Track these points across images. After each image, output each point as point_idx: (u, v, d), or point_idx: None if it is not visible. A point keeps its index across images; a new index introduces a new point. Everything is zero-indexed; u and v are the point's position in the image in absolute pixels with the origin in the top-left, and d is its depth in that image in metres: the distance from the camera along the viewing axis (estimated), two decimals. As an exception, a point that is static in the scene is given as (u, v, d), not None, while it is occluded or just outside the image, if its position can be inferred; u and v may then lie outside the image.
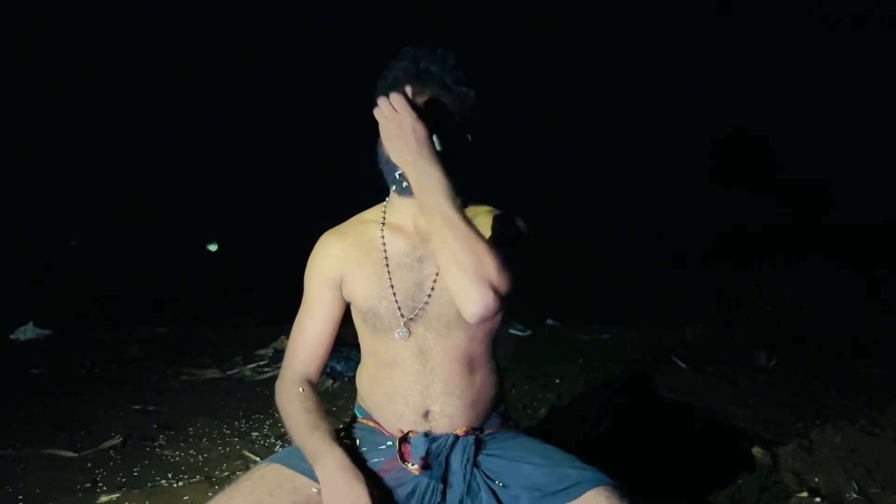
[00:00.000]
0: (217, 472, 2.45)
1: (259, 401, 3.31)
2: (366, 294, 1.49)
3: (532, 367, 3.92)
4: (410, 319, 1.47)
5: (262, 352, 4.20)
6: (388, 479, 1.43)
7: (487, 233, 1.46)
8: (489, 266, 1.26)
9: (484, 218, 1.51)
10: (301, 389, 1.51)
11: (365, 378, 1.57)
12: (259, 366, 3.96)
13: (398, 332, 1.46)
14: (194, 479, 2.37)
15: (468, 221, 1.28)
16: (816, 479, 2.36)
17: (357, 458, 1.43)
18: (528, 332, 4.83)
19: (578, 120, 10.61)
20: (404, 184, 1.41)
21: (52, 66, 9.12)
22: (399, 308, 1.47)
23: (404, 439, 1.44)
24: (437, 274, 1.47)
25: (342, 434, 1.55)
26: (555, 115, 10.64)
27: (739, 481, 2.35)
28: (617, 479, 1.40)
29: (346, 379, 3.56)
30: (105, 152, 9.74)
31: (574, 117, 10.62)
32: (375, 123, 1.40)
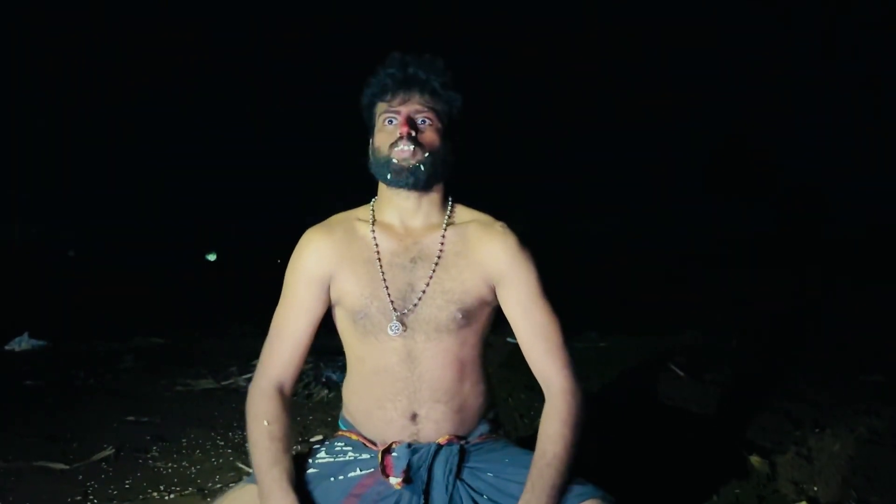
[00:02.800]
0: (210, 485, 2.42)
1: (254, 411, 3.27)
2: (357, 293, 1.44)
3: (528, 376, 3.85)
4: (403, 314, 1.42)
5: (257, 362, 4.17)
6: (369, 494, 1.38)
7: (482, 242, 1.46)
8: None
9: (476, 229, 1.49)
10: (272, 404, 1.46)
11: (351, 386, 1.54)
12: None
13: (391, 327, 1.41)
14: (186, 492, 2.35)
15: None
16: (815, 488, 2.34)
17: (326, 485, 1.40)
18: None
19: (576, 125, 10.63)
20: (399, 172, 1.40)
21: (49, 75, 9.15)
22: (392, 302, 1.42)
23: (387, 451, 1.41)
24: (430, 276, 1.44)
25: (323, 447, 1.51)
26: (553, 119, 10.67)
27: (737, 490, 2.33)
28: (612, 489, 1.38)
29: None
30: (103, 163, 9.75)
31: (571, 123, 10.65)
32: (366, 126, 1.40)
